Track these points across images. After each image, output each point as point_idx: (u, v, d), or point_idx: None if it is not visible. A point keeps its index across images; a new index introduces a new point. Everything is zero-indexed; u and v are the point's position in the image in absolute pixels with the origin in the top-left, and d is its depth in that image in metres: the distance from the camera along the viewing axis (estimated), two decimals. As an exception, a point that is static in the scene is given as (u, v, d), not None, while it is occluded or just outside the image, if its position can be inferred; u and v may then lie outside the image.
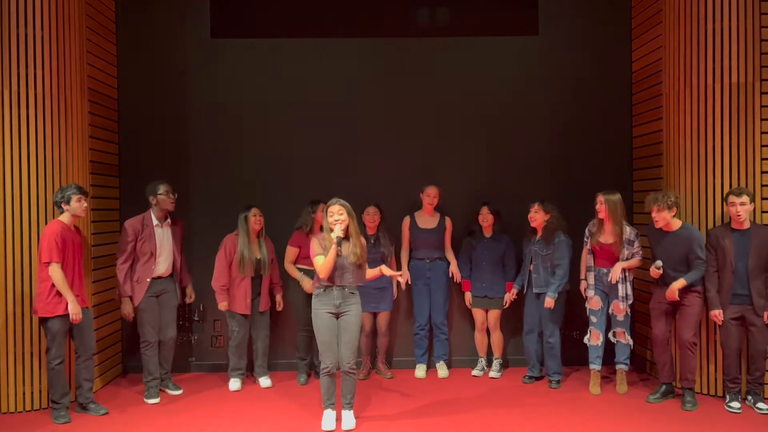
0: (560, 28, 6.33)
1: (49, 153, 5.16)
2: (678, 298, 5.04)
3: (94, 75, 5.76)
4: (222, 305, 5.61)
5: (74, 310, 4.83)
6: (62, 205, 4.89)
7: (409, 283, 5.98)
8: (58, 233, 4.80)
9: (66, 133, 5.28)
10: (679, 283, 5.01)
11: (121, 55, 6.21)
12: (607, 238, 5.40)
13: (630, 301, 5.39)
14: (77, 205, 4.89)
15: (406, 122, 6.29)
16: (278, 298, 5.90)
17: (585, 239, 5.58)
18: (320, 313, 4.69)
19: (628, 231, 5.37)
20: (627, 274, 5.37)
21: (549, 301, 5.52)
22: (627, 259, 5.35)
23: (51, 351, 4.88)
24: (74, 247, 4.94)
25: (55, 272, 4.79)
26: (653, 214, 5.11)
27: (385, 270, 4.85)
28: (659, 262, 5.08)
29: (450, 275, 6.01)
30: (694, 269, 5.02)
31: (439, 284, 6.00)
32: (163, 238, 5.47)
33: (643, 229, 5.52)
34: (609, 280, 5.35)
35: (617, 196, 5.37)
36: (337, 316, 4.72)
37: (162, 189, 5.42)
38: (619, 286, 5.34)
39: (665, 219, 5.07)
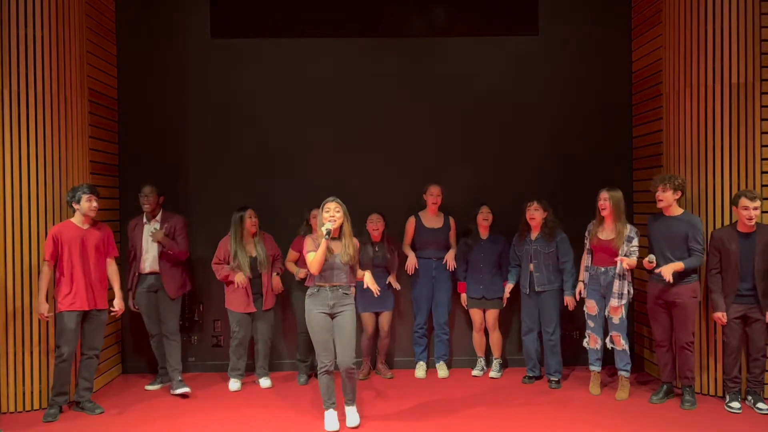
0: (560, 28, 6.33)
1: (49, 153, 5.16)
2: (671, 280, 4.95)
3: (94, 75, 5.76)
4: (232, 275, 5.58)
5: (40, 309, 4.91)
6: (73, 205, 5.01)
7: (417, 267, 5.94)
8: (55, 233, 4.96)
9: (66, 133, 5.28)
10: (677, 265, 4.97)
11: (121, 55, 6.21)
12: (607, 234, 5.32)
13: (624, 301, 5.23)
14: (87, 204, 4.97)
15: (407, 122, 6.29)
16: (276, 279, 5.77)
17: (585, 240, 5.54)
18: (313, 313, 4.68)
19: (629, 228, 5.29)
20: (625, 272, 5.23)
21: (570, 300, 5.58)
22: (626, 255, 5.22)
23: (57, 348, 4.98)
24: (82, 247, 4.98)
25: (41, 270, 4.96)
26: (657, 194, 5.10)
27: (367, 277, 4.80)
28: (652, 257, 5.07)
29: (444, 263, 5.95)
30: (692, 257, 5.01)
31: (444, 284, 6.01)
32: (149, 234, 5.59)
33: (642, 231, 5.51)
34: (617, 268, 5.17)
35: (619, 193, 5.32)
36: (332, 316, 4.72)
37: (141, 191, 5.60)
38: (616, 282, 5.24)
39: (668, 200, 5.07)
